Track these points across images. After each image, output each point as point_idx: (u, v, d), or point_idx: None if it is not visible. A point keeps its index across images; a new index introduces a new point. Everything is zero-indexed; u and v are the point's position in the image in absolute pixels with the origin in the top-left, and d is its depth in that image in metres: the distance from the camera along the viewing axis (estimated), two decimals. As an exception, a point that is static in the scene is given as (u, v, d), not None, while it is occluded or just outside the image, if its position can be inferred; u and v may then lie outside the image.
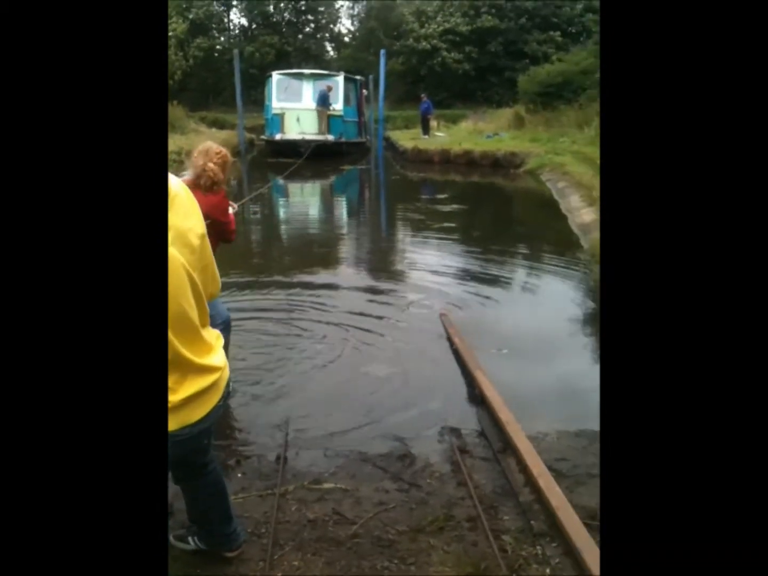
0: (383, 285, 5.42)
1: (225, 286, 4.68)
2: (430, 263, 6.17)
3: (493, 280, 5.52)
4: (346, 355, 3.85)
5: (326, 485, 2.48)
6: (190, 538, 2.02)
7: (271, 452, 2.73)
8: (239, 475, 2.56)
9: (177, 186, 1.43)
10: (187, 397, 1.46)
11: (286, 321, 4.43)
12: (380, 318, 4.52)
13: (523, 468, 2.42)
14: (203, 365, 1.50)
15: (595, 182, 8.81)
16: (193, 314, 1.44)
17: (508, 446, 2.64)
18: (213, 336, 1.59)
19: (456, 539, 2.17)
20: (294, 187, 12.91)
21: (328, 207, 11.25)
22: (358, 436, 2.88)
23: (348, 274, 5.93)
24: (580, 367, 3.75)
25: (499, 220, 9.35)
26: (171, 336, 1.36)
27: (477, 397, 3.18)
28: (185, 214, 1.42)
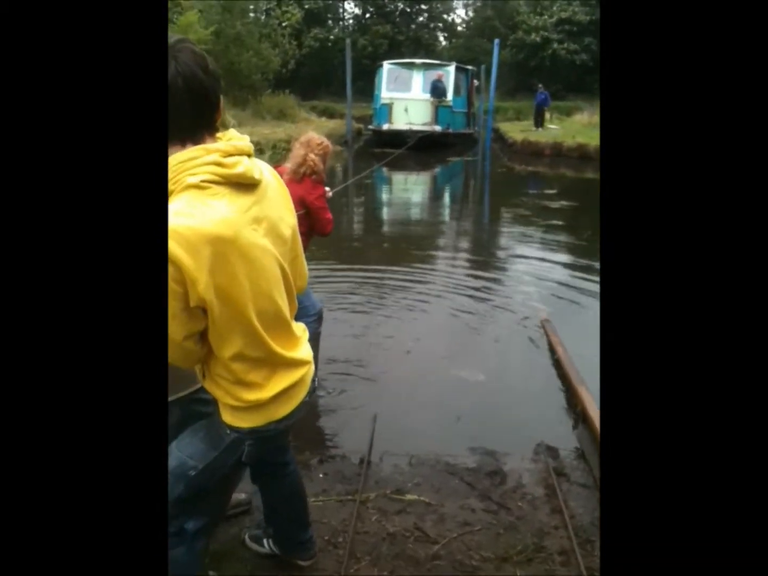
0: (482, 284, 5.20)
1: (317, 275, 4.68)
2: (534, 263, 5.87)
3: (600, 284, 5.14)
4: (439, 356, 3.70)
5: (409, 497, 2.36)
6: (265, 541, 1.97)
7: (355, 454, 2.64)
8: (321, 475, 2.49)
9: (269, 175, 1.38)
10: (276, 394, 1.41)
11: (377, 315, 4.35)
12: (477, 319, 4.32)
13: (628, 502, 2.17)
14: (293, 359, 1.45)
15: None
16: (285, 308, 1.40)
17: (611, 474, 2.39)
18: (300, 329, 1.54)
19: (546, 573, 1.97)
20: (397, 177, 12.86)
21: (429, 199, 11.09)
22: (445, 444, 2.73)
23: (445, 270, 5.76)
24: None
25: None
26: (263, 332, 1.32)
27: (579, 415, 2.93)
28: (277, 205, 1.37)
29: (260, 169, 1.33)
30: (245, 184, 1.25)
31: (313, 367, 1.56)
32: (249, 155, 1.28)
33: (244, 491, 2.19)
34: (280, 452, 1.75)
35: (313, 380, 1.57)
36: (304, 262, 1.55)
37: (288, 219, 1.41)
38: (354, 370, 3.48)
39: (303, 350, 1.51)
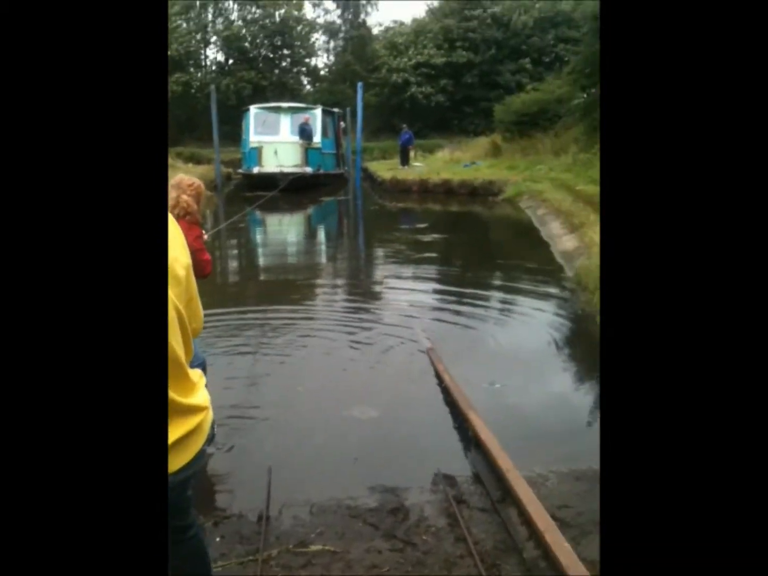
0: (364, 318, 5.25)
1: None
2: (413, 295, 6.03)
3: (479, 311, 5.38)
4: (328, 396, 3.66)
5: (313, 548, 2.27)
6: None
7: (252, 510, 2.51)
8: (218, 539, 2.34)
9: None
10: (171, 443, 1.31)
11: (261, 358, 4.24)
12: (362, 354, 4.34)
13: (526, 520, 2.24)
14: (189, 405, 1.38)
15: (575, 209, 8.82)
16: (180, 351, 1.33)
17: (507, 495, 2.47)
18: (196, 375, 1.47)
19: (457, 604, 1.98)
20: (271, 219, 12.78)
21: (305, 238, 11.11)
22: (344, 487, 2.68)
23: (326, 307, 5.76)
24: (575, 400, 3.61)
25: (480, 248, 9.27)
26: None
27: (471, 440, 3.01)
28: (172, 244, 1.30)
29: None
30: None
31: (211, 413, 1.49)
32: None
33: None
34: (182, 512, 1.62)
35: (212, 426, 1.50)
36: (200, 304, 1.49)
37: (182, 259, 1.35)
38: (242, 419, 3.34)
39: (200, 396, 1.45)
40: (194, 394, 1.42)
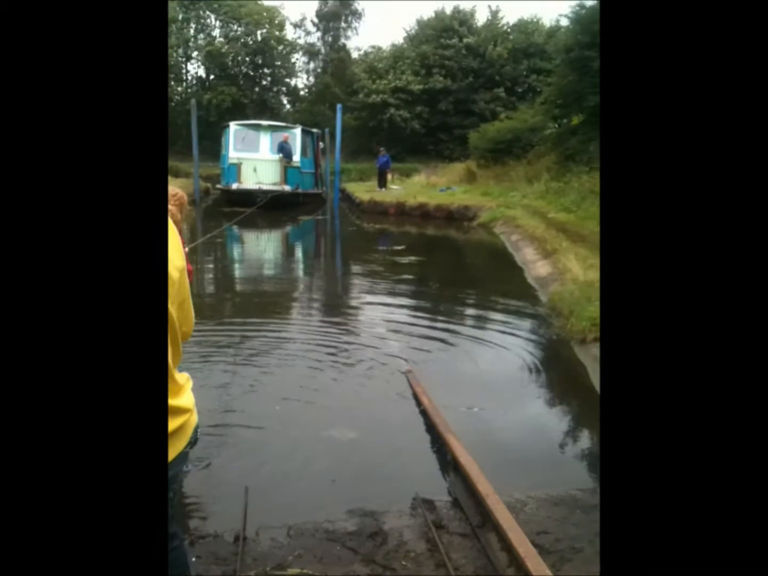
0: (342, 339, 5.24)
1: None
2: (390, 317, 6.03)
3: (456, 335, 5.41)
4: (307, 416, 3.63)
5: (291, 571, 2.24)
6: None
7: (228, 531, 2.47)
8: (193, 559, 2.29)
9: None
10: None
11: (238, 376, 4.19)
12: (340, 375, 4.32)
13: (507, 546, 2.25)
14: (173, 406, 1.38)
15: (548, 235, 8.98)
16: (169, 355, 1.34)
17: (487, 520, 2.47)
18: (183, 377, 1.49)
19: (437, 631, 1.96)
20: (249, 236, 12.72)
21: (283, 256, 11.07)
22: (323, 510, 2.65)
23: (304, 326, 5.73)
24: (552, 425, 3.64)
25: (456, 271, 9.35)
26: None
27: (450, 463, 3.01)
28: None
29: None
30: None
31: (195, 416, 1.50)
32: None
33: None
34: None
35: (195, 430, 1.51)
36: (191, 308, 1.50)
37: (176, 261, 1.36)
38: (218, 438, 3.29)
39: (184, 398, 1.46)
40: (179, 396, 1.44)
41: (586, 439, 3.53)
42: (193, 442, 1.49)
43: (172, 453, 1.40)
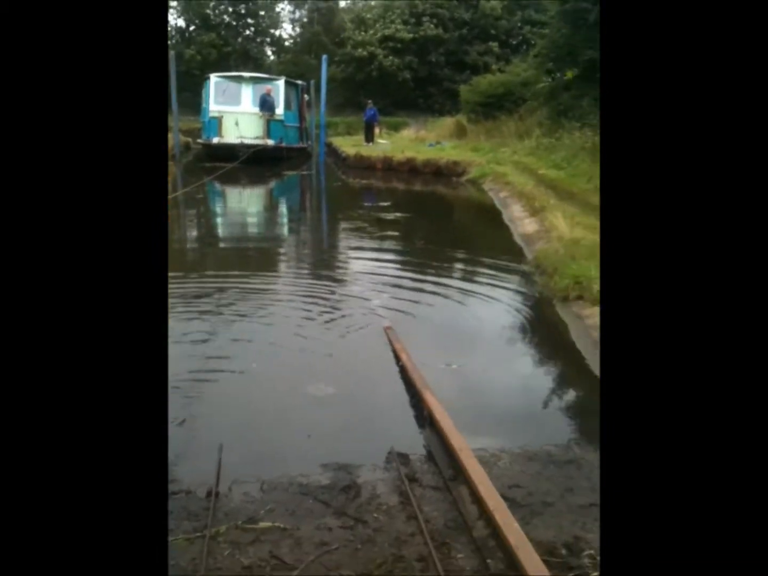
0: (324, 295, 5.19)
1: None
2: (373, 274, 5.98)
3: (438, 292, 5.38)
4: (283, 374, 3.61)
5: (262, 524, 2.24)
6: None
7: (201, 487, 2.46)
8: (164, 515, 2.28)
9: None
10: None
11: (216, 329, 4.15)
12: (321, 331, 4.29)
13: (477, 500, 2.26)
14: None
15: (537, 192, 8.89)
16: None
17: (459, 474, 2.47)
18: None
19: (406, 582, 1.97)
20: (232, 192, 12.51)
21: (267, 212, 10.92)
22: (297, 464, 2.64)
23: (286, 281, 5.67)
24: (531, 382, 3.65)
25: (442, 229, 9.27)
26: None
27: (426, 419, 3.01)
28: None
29: None
30: None
31: None
32: None
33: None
34: None
35: None
36: None
37: None
38: (193, 393, 3.26)
39: None
40: None
41: (563, 396, 3.54)
42: None
43: None
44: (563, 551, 2.09)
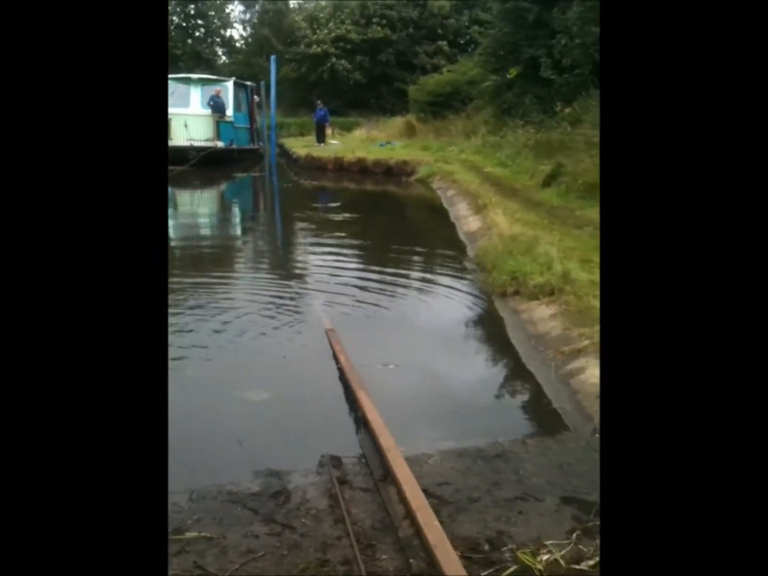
0: (269, 298, 5.15)
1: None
2: (319, 275, 5.98)
3: (382, 291, 5.40)
4: (218, 378, 3.58)
5: (189, 534, 2.21)
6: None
7: (127, 499, 2.42)
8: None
9: None
10: None
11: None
12: (263, 334, 4.26)
13: (403, 499, 2.28)
14: None
15: (482, 190, 9.02)
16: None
17: (389, 474, 2.50)
18: None
19: (330, 586, 1.98)
20: (182, 196, 12.30)
21: (218, 216, 10.78)
22: (228, 472, 2.62)
23: (231, 285, 5.61)
24: (466, 378, 3.70)
25: (390, 229, 9.30)
26: None
27: (360, 420, 3.02)
28: None
29: None
30: None
31: None
32: None
33: None
34: None
35: None
36: None
37: None
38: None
39: None
40: None
41: (495, 392, 3.61)
42: None
43: None
44: (486, 546, 2.13)
